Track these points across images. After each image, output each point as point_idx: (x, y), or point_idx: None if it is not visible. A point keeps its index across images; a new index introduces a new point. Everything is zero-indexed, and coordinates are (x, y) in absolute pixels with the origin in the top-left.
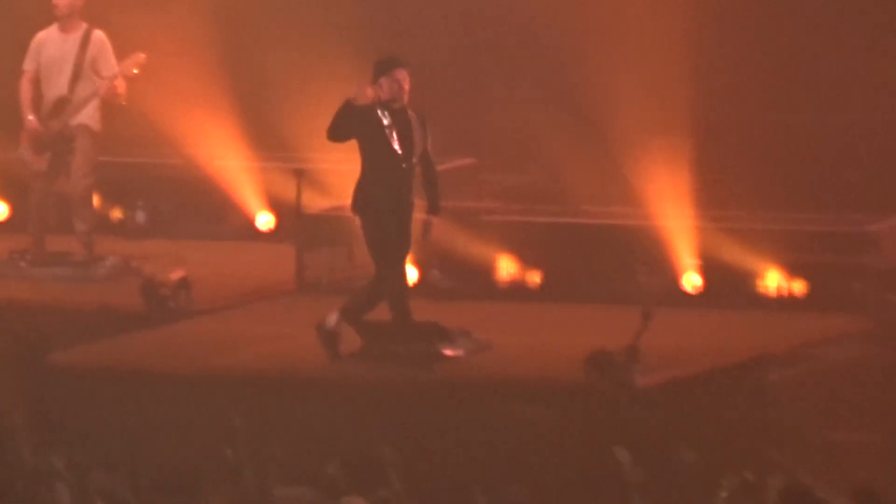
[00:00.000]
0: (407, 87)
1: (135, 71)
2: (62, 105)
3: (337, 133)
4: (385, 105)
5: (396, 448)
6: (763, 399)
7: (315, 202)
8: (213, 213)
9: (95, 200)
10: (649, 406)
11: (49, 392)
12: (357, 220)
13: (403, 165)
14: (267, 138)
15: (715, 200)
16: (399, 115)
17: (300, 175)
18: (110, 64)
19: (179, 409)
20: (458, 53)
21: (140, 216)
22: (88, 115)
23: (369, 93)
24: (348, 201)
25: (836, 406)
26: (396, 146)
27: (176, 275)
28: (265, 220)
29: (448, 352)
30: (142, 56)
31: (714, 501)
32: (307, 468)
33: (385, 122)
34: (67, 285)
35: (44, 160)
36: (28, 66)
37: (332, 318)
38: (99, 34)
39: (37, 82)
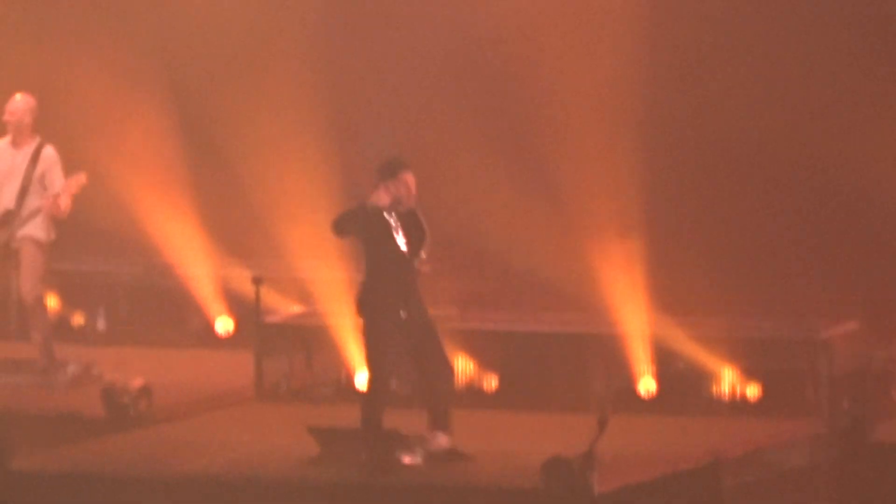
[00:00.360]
0: (414, 189)
1: (77, 184)
2: (9, 218)
3: (344, 230)
4: (392, 207)
5: None
6: (716, 501)
7: (275, 308)
8: (172, 319)
9: (56, 307)
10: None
11: (13, 498)
12: (338, 324)
13: (410, 266)
14: (226, 245)
15: (669, 306)
16: (406, 217)
17: (258, 282)
18: (58, 180)
19: None
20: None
21: (100, 323)
22: (35, 227)
23: (385, 198)
24: (304, 308)
25: None
26: (404, 247)
27: (137, 382)
28: (224, 327)
29: (406, 459)
30: (83, 176)
31: None
32: None
33: (392, 223)
34: (29, 392)
35: None
36: None
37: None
38: (49, 150)
39: None
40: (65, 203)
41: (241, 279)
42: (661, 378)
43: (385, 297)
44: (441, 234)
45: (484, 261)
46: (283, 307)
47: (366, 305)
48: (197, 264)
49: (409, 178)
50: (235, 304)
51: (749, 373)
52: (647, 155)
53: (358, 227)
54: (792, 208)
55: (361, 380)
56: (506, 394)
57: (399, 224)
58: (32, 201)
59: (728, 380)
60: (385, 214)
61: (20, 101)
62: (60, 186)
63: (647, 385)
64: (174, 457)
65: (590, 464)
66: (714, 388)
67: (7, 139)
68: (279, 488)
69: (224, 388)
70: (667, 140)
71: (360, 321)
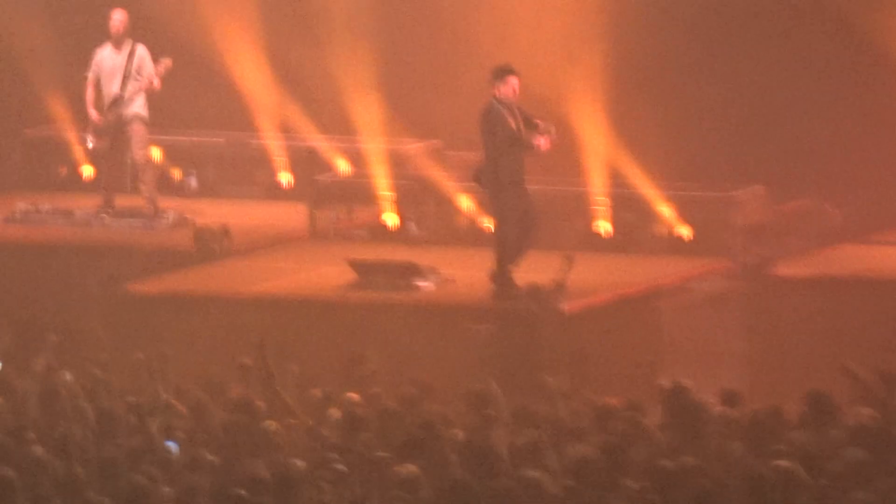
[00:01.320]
0: (517, 90)
1: (165, 68)
2: (117, 101)
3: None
4: (502, 102)
5: (380, 352)
6: (655, 320)
7: (326, 169)
8: (246, 177)
9: (158, 170)
10: (570, 325)
11: (124, 313)
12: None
13: (521, 146)
14: (291, 122)
15: (628, 170)
16: (512, 109)
17: (313, 152)
18: (148, 69)
19: (220, 326)
20: (427, 49)
21: (192, 181)
22: (137, 106)
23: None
24: (348, 171)
25: (707, 325)
26: (519, 133)
27: (219, 226)
28: (286, 182)
29: (421, 283)
30: (169, 61)
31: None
32: (311, 370)
33: (509, 117)
34: (138, 233)
35: (105, 142)
36: (90, 74)
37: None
38: (141, 47)
39: (97, 86)
40: (156, 83)
41: (300, 148)
42: (615, 223)
43: (517, 170)
44: (447, 113)
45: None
46: (333, 169)
47: (507, 178)
48: (267, 135)
49: (515, 80)
50: (296, 165)
51: (683, 222)
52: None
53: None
54: (720, 99)
55: (389, 222)
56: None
57: (511, 114)
58: (133, 88)
59: (667, 228)
60: (503, 109)
61: (119, 14)
62: (151, 73)
63: (605, 227)
64: (247, 282)
65: (559, 289)
66: (656, 233)
67: (109, 44)
68: (325, 306)
69: (285, 230)
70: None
71: (484, 191)
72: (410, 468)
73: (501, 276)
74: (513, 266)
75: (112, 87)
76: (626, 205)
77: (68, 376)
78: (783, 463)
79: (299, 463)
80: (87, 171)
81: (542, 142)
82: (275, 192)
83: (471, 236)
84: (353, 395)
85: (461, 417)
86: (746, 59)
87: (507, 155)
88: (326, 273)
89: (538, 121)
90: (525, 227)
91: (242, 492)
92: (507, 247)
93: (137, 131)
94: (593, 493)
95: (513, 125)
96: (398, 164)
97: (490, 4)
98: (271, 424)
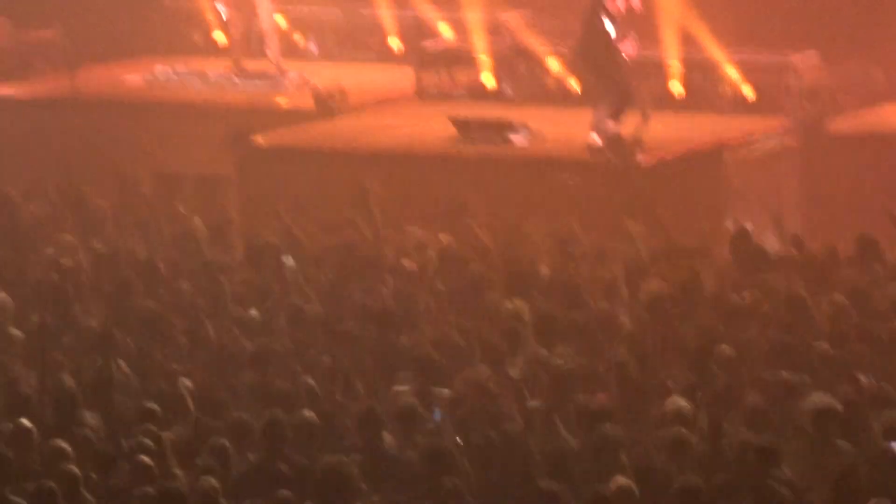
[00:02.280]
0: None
1: None
2: None
3: None
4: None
5: (478, 199)
6: (722, 172)
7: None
8: (360, 42)
9: (282, 35)
10: (647, 176)
11: (252, 163)
12: None
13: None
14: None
15: (696, 37)
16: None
17: (419, 20)
18: None
19: (336, 175)
20: None
21: (312, 46)
22: None
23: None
24: (450, 39)
25: (768, 177)
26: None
27: (336, 86)
28: (397, 47)
29: (514, 138)
30: None
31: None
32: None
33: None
34: (265, 92)
35: (232, 9)
36: None
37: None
38: None
39: None
40: None
41: (408, 17)
42: (686, 85)
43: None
44: None
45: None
46: (437, 35)
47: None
48: (379, 4)
49: None
50: (404, 32)
51: (746, 83)
52: None
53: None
54: None
55: (487, 83)
56: (583, 97)
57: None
58: None
59: (732, 89)
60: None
61: None
62: None
63: (677, 89)
64: (361, 137)
65: (637, 143)
66: (721, 93)
67: None
68: (429, 158)
69: (394, 90)
70: None
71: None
72: (517, 303)
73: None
74: (618, 125)
75: None
76: (696, 67)
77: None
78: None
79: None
80: (219, 36)
81: (629, 49)
82: (385, 56)
83: (559, 96)
84: (447, 236)
85: (549, 255)
86: None
87: (603, 50)
88: (430, 128)
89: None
90: (624, 95)
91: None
92: (612, 110)
93: (263, 1)
94: (666, 327)
95: (610, 32)
96: (495, 31)
97: None
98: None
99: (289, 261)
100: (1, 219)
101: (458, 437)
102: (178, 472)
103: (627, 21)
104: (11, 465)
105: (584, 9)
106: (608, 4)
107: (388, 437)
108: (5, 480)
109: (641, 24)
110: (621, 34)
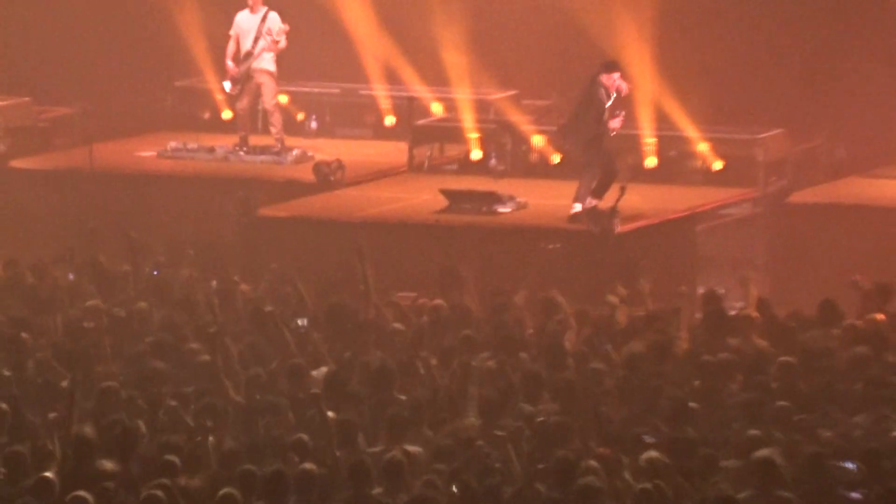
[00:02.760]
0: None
1: (286, 30)
2: (248, 56)
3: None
4: (603, 85)
5: (467, 263)
6: (693, 239)
7: (425, 115)
8: (358, 120)
9: (284, 114)
10: (622, 244)
11: (255, 233)
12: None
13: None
14: (395, 74)
15: (670, 115)
16: (609, 91)
17: (411, 100)
18: (276, 31)
19: (334, 244)
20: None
21: (312, 123)
22: (266, 62)
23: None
24: (442, 116)
25: (735, 244)
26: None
27: (335, 160)
28: (390, 123)
29: (500, 209)
30: (287, 27)
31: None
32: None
33: (605, 97)
34: (268, 166)
35: (237, 89)
36: (232, 32)
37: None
38: (273, 14)
39: (236, 42)
40: (282, 43)
41: (401, 97)
42: (661, 158)
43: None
44: (525, 66)
45: (551, 86)
46: (429, 113)
47: (573, 133)
48: (375, 86)
49: (617, 75)
50: (398, 110)
51: (716, 157)
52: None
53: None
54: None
55: (475, 157)
56: (564, 169)
57: (607, 95)
58: (263, 45)
59: (703, 163)
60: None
61: None
62: (278, 33)
63: (651, 163)
64: (357, 207)
65: (614, 214)
66: (694, 166)
67: (247, 9)
68: (421, 227)
69: (388, 164)
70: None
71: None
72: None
73: (590, 208)
74: (598, 200)
75: (246, 45)
76: (670, 144)
77: (214, 283)
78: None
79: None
80: (227, 114)
81: (615, 123)
82: (380, 133)
83: (541, 170)
84: (440, 302)
85: (534, 320)
86: (773, 21)
87: (594, 121)
88: (422, 200)
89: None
90: (608, 172)
91: None
92: (595, 185)
93: (266, 83)
94: (643, 383)
95: (605, 104)
96: (482, 109)
97: None
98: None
99: (303, 322)
100: (27, 283)
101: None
102: None
103: (619, 100)
104: None
105: (580, 87)
106: (606, 82)
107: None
108: None
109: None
110: (612, 112)
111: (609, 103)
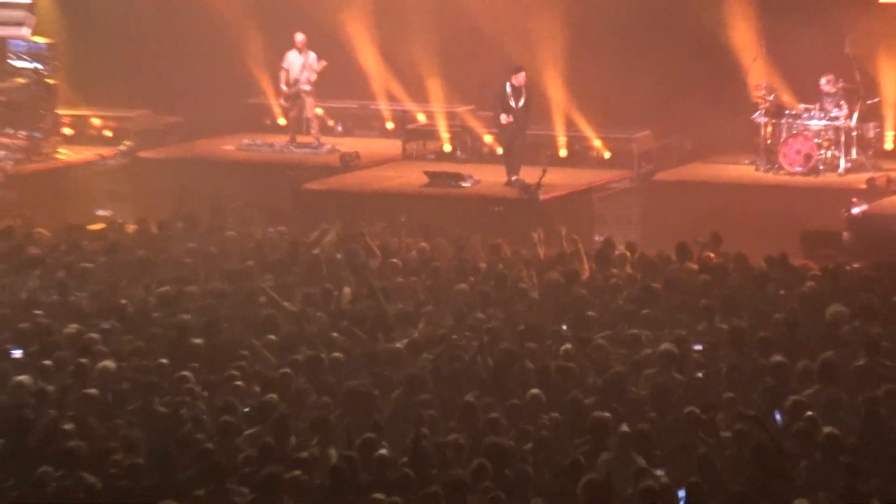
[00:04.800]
0: (521, 80)
1: (322, 67)
2: (296, 82)
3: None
4: (512, 86)
5: (440, 219)
6: (591, 205)
7: (416, 120)
8: (369, 124)
9: (320, 120)
10: (544, 207)
11: (302, 200)
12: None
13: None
14: (394, 92)
15: (580, 116)
16: (517, 90)
17: (404, 112)
18: (315, 66)
19: (354, 206)
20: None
21: (339, 127)
22: (308, 84)
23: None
24: (424, 122)
25: (619, 208)
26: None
27: (354, 151)
28: (391, 128)
29: (464, 184)
30: (325, 63)
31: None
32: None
33: (511, 97)
34: (310, 156)
35: (289, 104)
36: (284, 65)
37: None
38: (312, 54)
39: (287, 73)
40: (317, 73)
41: (398, 109)
42: (569, 150)
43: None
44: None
45: None
46: (416, 120)
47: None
48: (380, 101)
49: (521, 74)
50: (396, 118)
51: (607, 150)
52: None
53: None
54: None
55: (447, 150)
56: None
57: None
58: (306, 75)
59: (597, 153)
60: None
61: (301, 35)
62: (316, 67)
63: (563, 153)
64: (368, 183)
65: (538, 187)
66: (593, 157)
67: (294, 50)
68: (410, 196)
69: (389, 155)
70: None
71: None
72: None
73: (512, 180)
74: (515, 174)
75: (294, 74)
76: (575, 140)
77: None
78: None
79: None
80: (281, 121)
81: (503, 118)
82: (384, 133)
83: (490, 158)
84: (424, 244)
85: (485, 258)
86: (638, 47)
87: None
88: (412, 178)
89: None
90: (519, 155)
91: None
92: (513, 164)
93: (308, 100)
94: (558, 299)
95: (508, 102)
96: (451, 118)
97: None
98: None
99: (339, 256)
100: (152, 233)
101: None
102: None
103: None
104: None
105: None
106: (514, 81)
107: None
108: None
109: (539, 110)
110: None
111: (514, 99)
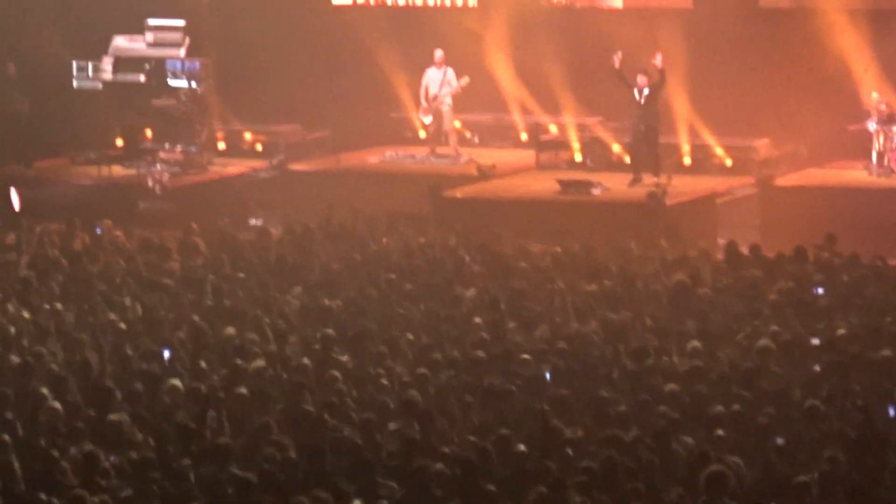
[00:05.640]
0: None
1: (464, 83)
2: (435, 97)
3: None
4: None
5: (574, 225)
6: (714, 210)
7: (548, 132)
8: (504, 135)
9: (458, 132)
10: (671, 211)
11: (442, 206)
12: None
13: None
14: (527, 105)
15: (697, 128)
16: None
17: (537, 124)
18: (454, 81)
19: (491, 214)
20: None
21: (476, 138)
22: (447, 101)
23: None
24: (556, 133)
25: (740, 211)
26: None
27: (490, 162)
28: (524, 139)
29: (593, 191)
30: (467, 78)
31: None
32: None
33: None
34: (449, 166)
35: (429, 120)
36: (423, 82)
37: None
38: (450, 69)
39: (426, 89)
40: (460, 90)
41: (531, 122)
42: (693, 158)
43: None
44: None
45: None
46: (548, 131)
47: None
48: (514, 115)
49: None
50: (529, 129)
51: (727, 157)
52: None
53: None
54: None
55: (577, 159)
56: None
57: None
58: (446, 91)
59: (718, 160)
60: None
61: (440, 52)
62: (457, 83)
63: (687, 161)
64: (506, 190)
65: (664, 193)
66: (715, 164)
67: (433, 66)
68: (544, 202)
69: (523, 164)
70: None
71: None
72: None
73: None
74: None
75: (433, 90)
76: (699, 149)
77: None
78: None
79: None
80: (422, 134)
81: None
82: (518, 144)
83: (618, 166)
84: (558, 248)
85: (615, 262)
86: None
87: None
88: (545, 186)
89: None
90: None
91: None
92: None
93: (447, 113)
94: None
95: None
96: (582, 129)
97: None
98: None
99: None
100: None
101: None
102: None
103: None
104: None
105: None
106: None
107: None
108: None
109: (665, 120)
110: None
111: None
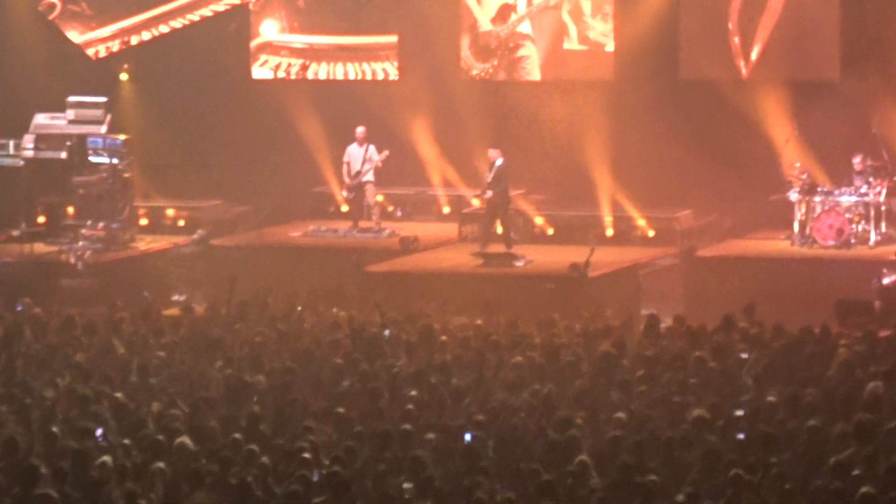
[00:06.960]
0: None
1: (384, 157)
2: (358, 174)
3: None
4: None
5: (496, 296)
6: (637, 280)
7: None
8: (426, 209)
9: (380, 207)
10: (592, 286)
11: (364, 281)
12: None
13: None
14: (449, 179)
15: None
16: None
17: (459, 197)
18: (376, 156)
19: (412, 287)
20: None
21: (398, 212)
22: (369, 176)
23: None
24: (477, 206)
25: (663, 282)
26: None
27: (412, 235)
28: (447, 212)
29: (517, 263)
30: (387, 152)
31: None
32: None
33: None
34: (371, 240)
35: (352, 195)
36: (345, 159)
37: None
38: (372, 146)
39: (348, 165)
40: (380, 164)
41: (453, 195)
42: (615, 230)
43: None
44: None
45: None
46: (469, 204)
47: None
48: (436, 188)
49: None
50: (452, 203)
51: (651, 228)
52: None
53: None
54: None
55: (499, 231)
56: (557, 237)
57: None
58: (368, 167)
59: (642, 231)
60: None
61: (361, 129)
62: (377, 159)
63: (609, 232)
64: (427, 264)
65: (587, 265)
66: (637, 236)
67: (355, 143)
68: (466, 276)
69: (446, 237)
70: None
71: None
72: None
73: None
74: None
75: (356, 167)
76: (621, 220)
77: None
78: None
79: None
80: (344, 208)
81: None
82: (441, 218)
83: (541, 239)
84: (480, 322)
85: (538, 333)
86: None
87: None
88: (467, 259)
89: None
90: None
91: None
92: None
93: (370, 188)
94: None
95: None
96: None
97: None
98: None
99: (387, 333)
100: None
101: None
102: None
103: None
104: None
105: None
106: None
107: None
108: None
109: (586, 193)
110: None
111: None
